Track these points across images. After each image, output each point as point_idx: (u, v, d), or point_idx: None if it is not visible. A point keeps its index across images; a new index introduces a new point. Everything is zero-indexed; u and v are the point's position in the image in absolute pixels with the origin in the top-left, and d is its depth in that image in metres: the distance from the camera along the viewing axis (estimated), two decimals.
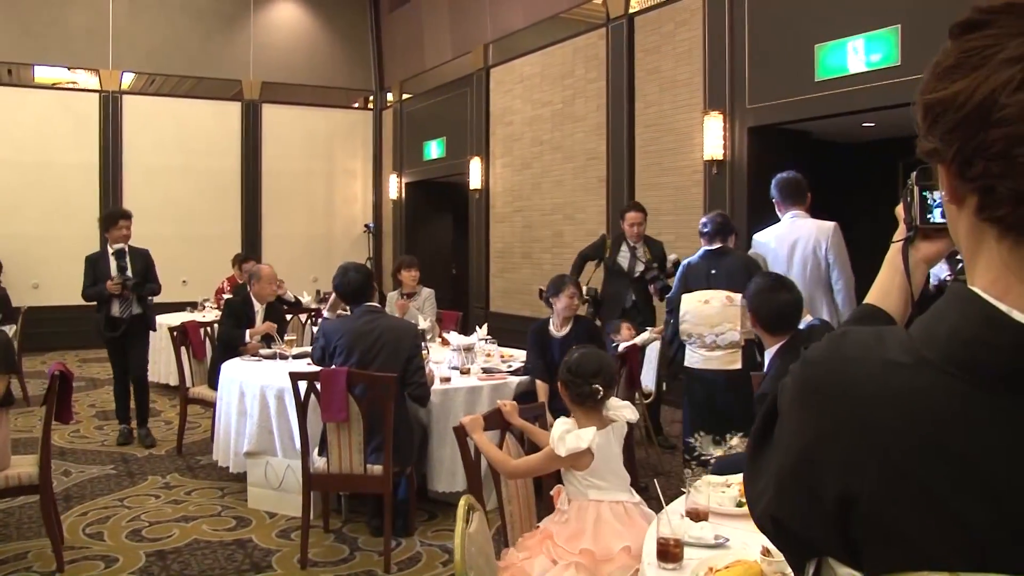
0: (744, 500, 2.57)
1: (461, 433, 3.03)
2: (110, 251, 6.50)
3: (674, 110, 8.00)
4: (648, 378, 6.04)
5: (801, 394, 0.84)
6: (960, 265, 5.65)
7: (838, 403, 0.79)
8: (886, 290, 1.28)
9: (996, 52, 0.75)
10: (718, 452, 3.57)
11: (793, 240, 4.93)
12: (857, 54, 6.24)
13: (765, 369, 3.53)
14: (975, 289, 0.78)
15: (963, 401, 0.74)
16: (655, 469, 5.74)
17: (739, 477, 2.92)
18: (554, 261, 9.61)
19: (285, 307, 7.40)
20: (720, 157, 7.36)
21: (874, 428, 0.77)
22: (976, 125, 0.75)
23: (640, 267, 6.43)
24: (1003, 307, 0.75)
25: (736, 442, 4.39)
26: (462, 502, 2.16)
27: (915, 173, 1.21)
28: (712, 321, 5.01)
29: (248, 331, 6.23)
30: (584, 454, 2.82)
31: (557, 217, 9.74)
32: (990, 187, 0.76)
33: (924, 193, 1.21)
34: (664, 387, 6.25)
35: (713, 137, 7.37)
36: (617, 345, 5.70)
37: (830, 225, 4.93)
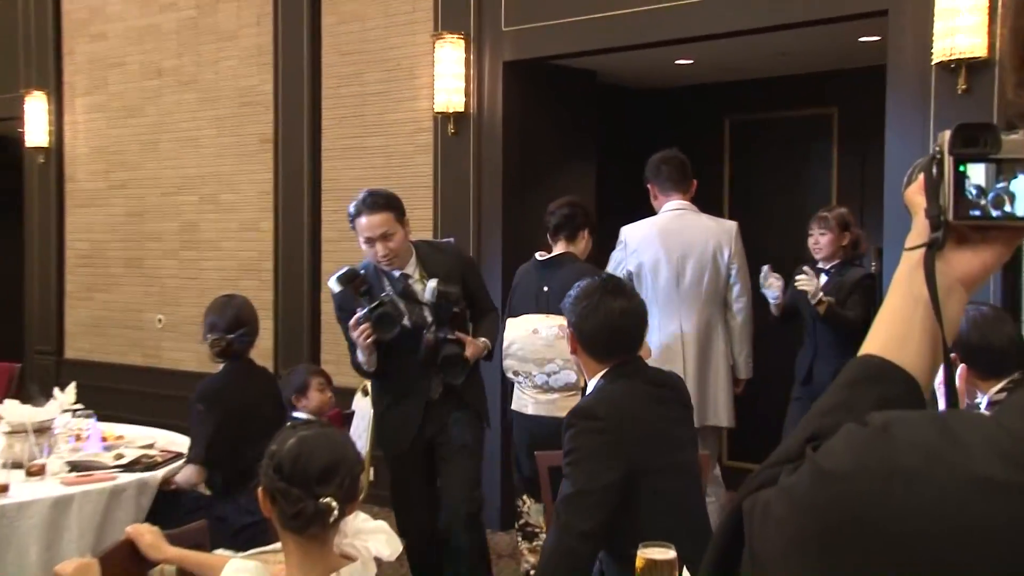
0: None
1: None
2: None
3: (387, 32, 7.70)
4: (360, 446, 5.80)
5: (821, 532, 0.84)
6: (803, 280, 5.94)
7: (896, 548, 0.79)
8: (901, 333, 1.19)
9: None
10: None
11: (684, 242, 5.49)
12: None
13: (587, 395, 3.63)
14: None
15: None
16: None
17: None
18: (185, 273, 8.88)
19: None
20: (460, 108, 7.17)
21: None
22: None
23: (427, 313, 5.05)
24: None
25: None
26: None
27: (947, 135, 1.13)
28: (542, 356, 5.32)
29: None
30: None
31: (190, 199, 9.08)
32: None
33: (962, 168, 1.13)
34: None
35: (449, 77, 7.16)
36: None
37: (732, 225, 5.58)
